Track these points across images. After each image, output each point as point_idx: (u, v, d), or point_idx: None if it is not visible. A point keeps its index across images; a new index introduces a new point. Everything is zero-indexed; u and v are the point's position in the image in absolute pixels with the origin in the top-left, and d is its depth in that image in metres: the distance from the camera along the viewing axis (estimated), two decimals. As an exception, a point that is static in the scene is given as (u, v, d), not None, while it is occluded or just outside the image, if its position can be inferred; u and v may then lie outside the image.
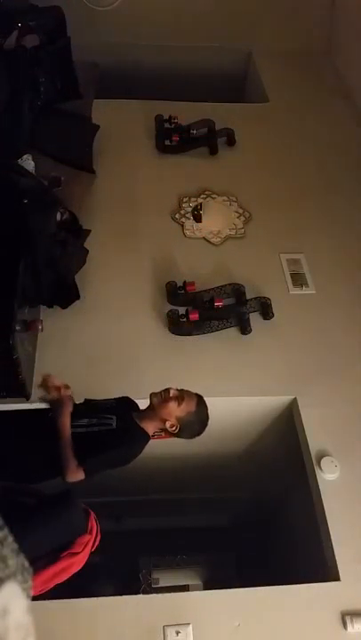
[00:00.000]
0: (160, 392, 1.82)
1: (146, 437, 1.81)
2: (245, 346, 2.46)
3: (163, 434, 2.51)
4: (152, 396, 1.82)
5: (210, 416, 1.86)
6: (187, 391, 1.83)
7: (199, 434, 1.90)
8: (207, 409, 1.88)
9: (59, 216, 2.41)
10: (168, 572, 3.65)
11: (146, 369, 2.33)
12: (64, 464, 1.66)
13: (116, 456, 1.78)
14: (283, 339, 2.49)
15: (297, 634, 1.82)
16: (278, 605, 1.86)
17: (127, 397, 1.95)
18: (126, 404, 1.90)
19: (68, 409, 1.74)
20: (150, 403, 1.82)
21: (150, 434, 1.83)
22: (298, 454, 2.28)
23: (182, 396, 1.81)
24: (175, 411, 1.79)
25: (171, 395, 1.80)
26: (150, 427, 1.81)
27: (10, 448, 1.78)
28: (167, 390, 1.81)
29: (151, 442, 2.59)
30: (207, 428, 2.63)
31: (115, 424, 1.77)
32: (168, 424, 1.79)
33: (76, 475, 1.66)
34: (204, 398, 2.32)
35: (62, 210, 2.46)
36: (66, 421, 1.71)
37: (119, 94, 3.57)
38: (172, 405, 1.78)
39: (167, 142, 3.27)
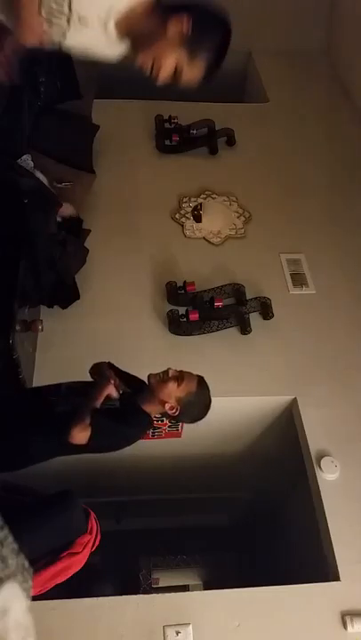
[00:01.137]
0: (159, 373, 1.78)
1: (146, 418, 1.77)
2: (245, 346, 2.46)
3: (164, 430, 2.51)
4: (150, 377, 1.77)
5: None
6: (187, 372, 1.79)
7: (201, 417, 1.84)
8: (209, 391, 1.83)
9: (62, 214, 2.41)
10: (168, 571, 3.65)
11: (146, 369, 2.32)
12: (76, 417, 1.60)
13: (116, 431, 1.73)
14: (283, 339, 2.49)
15: (297, 634, 1.82)
16: (278, 605, 1.86)
17: (139, 380, 1.89)
18: (135, 387, 1.85)
19: (109, 389, 1.70)
20: (149, 383, 1.78)
21: (152, 416, 1.78)
22: (298, 454, 2.28)
23: (182, 376, 1.77)
24: (175, 391, 1.73)
25: (170, 374, 1.76)
26: (150, 409, 1.77)
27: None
28: (166, 371, 1.77)
29: (151, 442, 2.60)
30: (207, 428, 2.63)
31: (118, 404, 1.73)
32: (168, 406, 1.74)
33: (83, 430, 1.59)
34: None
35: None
36: (100, 395, 1.67)
37: (119, 94, 3.57)
38: (172, 386, 1.73)
39: (167, 142, 3.27)
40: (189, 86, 1.66)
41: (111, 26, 1.54)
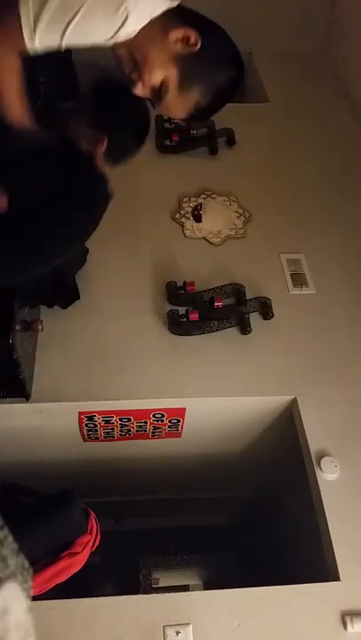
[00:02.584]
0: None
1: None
2: (245, 346, 2.46)
3: (164, 430, 2.51)
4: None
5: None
6: None
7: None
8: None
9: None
10: (168, 571, 3.65)
11: (146, 369, 2.33)
12: None
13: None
14: (283, 339, 2.50)
15: (297, 634, 1.82)
16: (278, 605, 1.86)
17: None
18: None
19: None
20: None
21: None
22: (298, 454, 2.28)
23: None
24: (100, 153, 1.46)
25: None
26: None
27: None
28: None
29: (151, 442, 2.60)
30: (207, 428, 2.64)
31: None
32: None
33: None
34: (205, 398, 2.33)
35: None
36: None
37: (119, 94, 3.56)
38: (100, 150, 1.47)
39: (167, 142, 3.27)
40: (166, 114, 1.33)
41: None
